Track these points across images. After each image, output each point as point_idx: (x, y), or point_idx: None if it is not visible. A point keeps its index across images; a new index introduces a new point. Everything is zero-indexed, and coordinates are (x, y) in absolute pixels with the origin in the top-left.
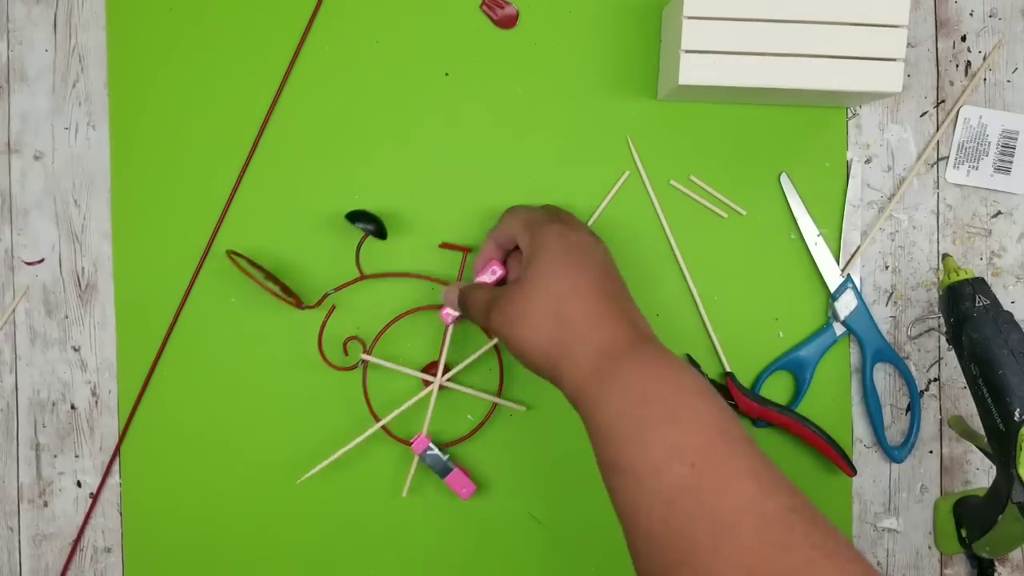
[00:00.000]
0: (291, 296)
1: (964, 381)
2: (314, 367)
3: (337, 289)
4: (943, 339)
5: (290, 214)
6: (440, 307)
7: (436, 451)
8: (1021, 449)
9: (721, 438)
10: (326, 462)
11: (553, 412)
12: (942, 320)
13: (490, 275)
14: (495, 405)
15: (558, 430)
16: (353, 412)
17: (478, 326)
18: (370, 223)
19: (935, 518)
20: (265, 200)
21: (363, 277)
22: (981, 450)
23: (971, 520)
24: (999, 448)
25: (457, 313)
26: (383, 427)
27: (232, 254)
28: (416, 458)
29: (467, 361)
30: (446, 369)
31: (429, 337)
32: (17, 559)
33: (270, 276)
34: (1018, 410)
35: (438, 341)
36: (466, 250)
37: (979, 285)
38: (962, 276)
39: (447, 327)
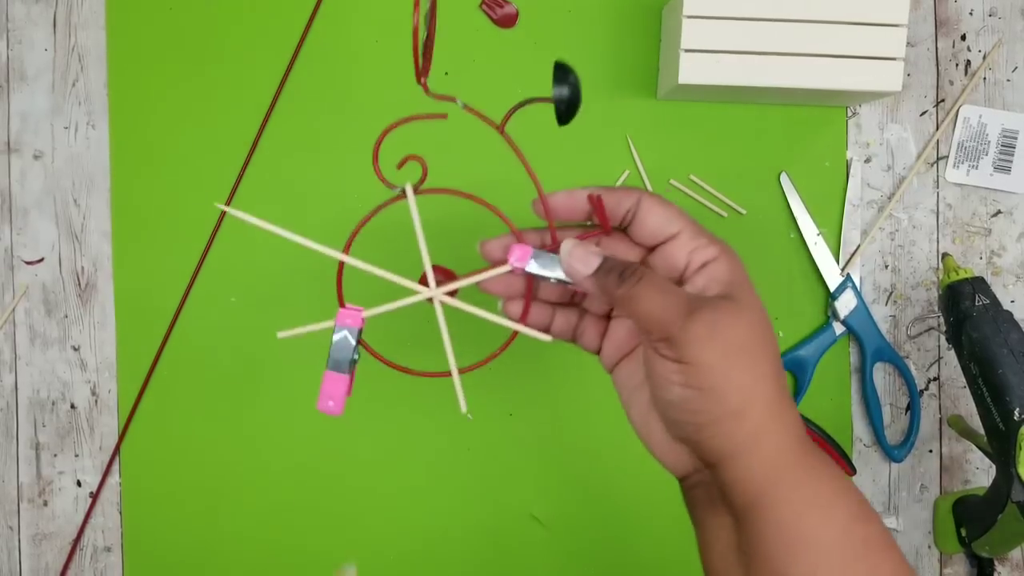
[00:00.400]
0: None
1: (964, 380)
2: (316, 368)
3: (467, 106)
4: (943, 338)
5: (291, 213)
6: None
7: (350, 337)
8: (1021, 448)
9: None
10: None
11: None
12: (942, 319)
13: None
14: (513, 337)
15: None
16: (355, 411)
17: (626, 310)
18: (567, 87)
19: (935, 517)
20: (266, 199)
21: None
22: (981, 449)
23: (971, 519)
24: (999, 447)
25: (547, 274)
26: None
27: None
28: (327, 325)
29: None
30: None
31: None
32: (17, 558)
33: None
34: (1018, 409)
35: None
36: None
37: (979, 284)
38: (962, 275)
39: (493, 263)
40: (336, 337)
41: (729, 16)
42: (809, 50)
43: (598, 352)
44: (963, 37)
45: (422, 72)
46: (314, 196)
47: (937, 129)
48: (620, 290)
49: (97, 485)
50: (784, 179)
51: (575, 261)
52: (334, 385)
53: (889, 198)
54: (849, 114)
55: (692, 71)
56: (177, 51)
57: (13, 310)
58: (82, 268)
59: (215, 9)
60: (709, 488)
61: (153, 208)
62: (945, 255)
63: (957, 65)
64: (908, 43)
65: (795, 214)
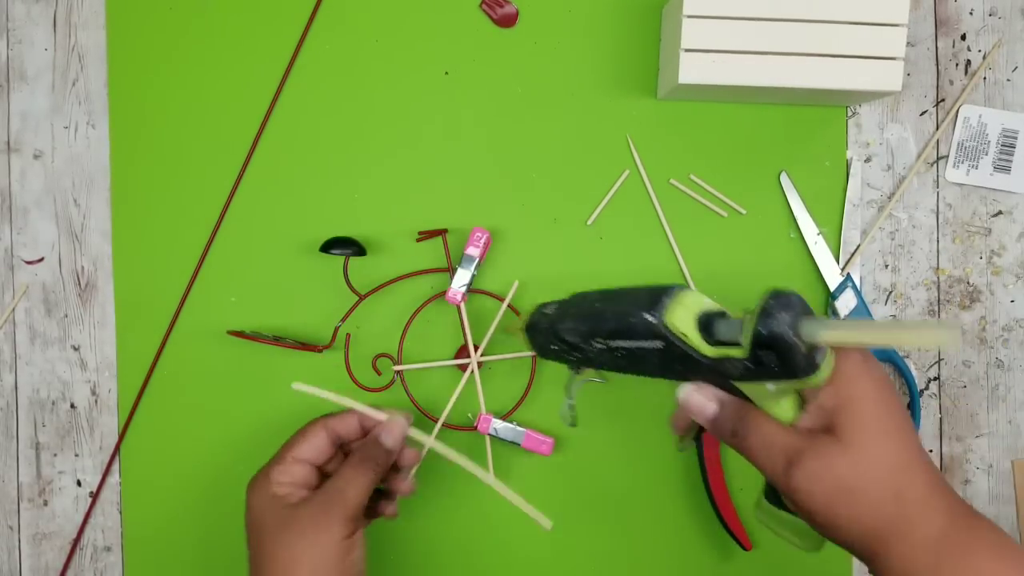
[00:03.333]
0: (305, 344)
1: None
2: (315, 362)
3: (343, 319)
4: None
5: (291, 212)
6: (443, 292)
7: (503, 423)
8: None
9: None
10: (407, 480)
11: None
12: None
13: (475, 245)
14: (535, 357)
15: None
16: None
17: (750, 459)
18: (346, 247)
19: None
20: (266, 199)
21: (362, 298)
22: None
23: None
24: None
25: (462, 291)
26: (445, 423)
27: (233, 333)
28: (488, 438)
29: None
30: (475, 346)
31: (443, 324)
32: (17, 558)
33: (277, 338)
34: None
35: (453, 325)
36: (443, 232)
37: None
38: None
39: (459, 307)
40: (500, 435)
41: (729, 16)
42: (809, 50)
43: None
44: (963, 37)
45: (313, 348)
46: (314, 196)
47: (937, 129)
48: (731, 443)
49: (97, 485)
50: (784, 179)
51: (694, 407)
52: (532, 442)
53: (889, 198)
54: (849, 114)
55: (692, 71)
56: (177, 51)
57: (13, 310)
58: (82, 268)
59: (215, 9)
60: None
61: (153, 208)
62: None
63: (957, 65)
64: (908, 43)
65: (795, 214)
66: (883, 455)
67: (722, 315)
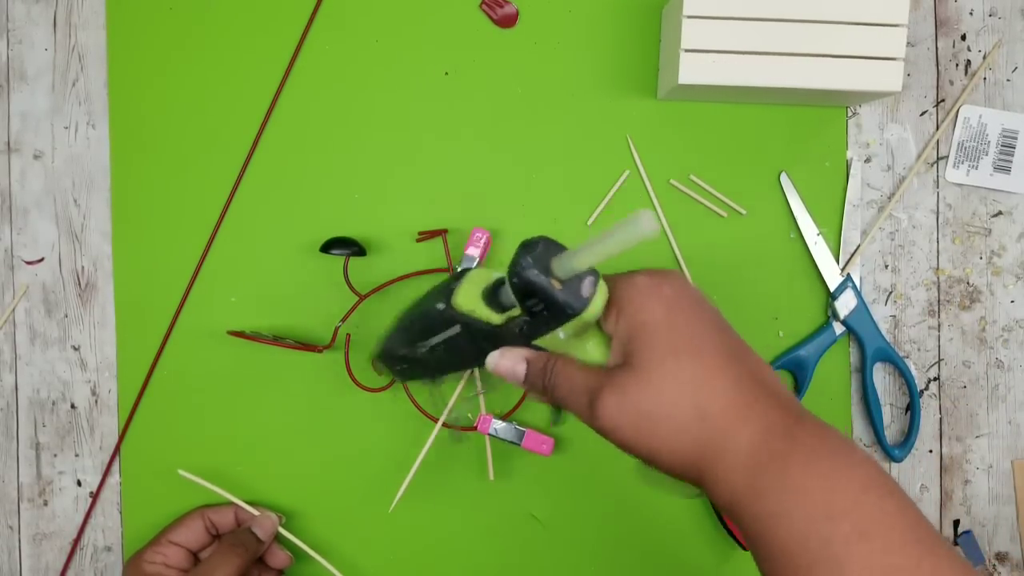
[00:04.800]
0: (305, 344)
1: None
2: (315, 369)
3: (344, 319)
4: (943, 338)
5: (291, 212)
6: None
7: (503, 423)
8: None
9: (922, 549)
10: (407, 480)
11: None
12: None
13: (475, 246)
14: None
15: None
16: (354, 416)
17: (564, 408)
18: (346, 247)
19: None
20: (266, 199)
21: (362, 298)
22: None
23: None
24: None
25: None
26: (444, 424)
27: (233, 333)
28: (488, 438)
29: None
30: None
31: None
32: (17, 558)
33: (277, 338)
34: None
35: None
36: (443, 232)
37: None
38: None
39: None
40: (500, 435)
41: (729, 16)
42: (809, 50)
43: None
44: (963, 37)
45: (314, 348)
46: (314, 196)
47: (937, 129)
48: (549, 399)
49: (97, 485)
50: (784, 179)
51: (504, 372)
52: (532, 442)
53: (889, 198)
54: (849, 114)
55: (692, 71)
56: (177, 51)
57: (13, 310)
58: (82, 268)
59: (215, 9)
60: None
61: (153, 208)
62: None
63: (957, 65)
64: (908, 43)
65: (795, 214)
66: (676, 375)
67: (504, 283)
